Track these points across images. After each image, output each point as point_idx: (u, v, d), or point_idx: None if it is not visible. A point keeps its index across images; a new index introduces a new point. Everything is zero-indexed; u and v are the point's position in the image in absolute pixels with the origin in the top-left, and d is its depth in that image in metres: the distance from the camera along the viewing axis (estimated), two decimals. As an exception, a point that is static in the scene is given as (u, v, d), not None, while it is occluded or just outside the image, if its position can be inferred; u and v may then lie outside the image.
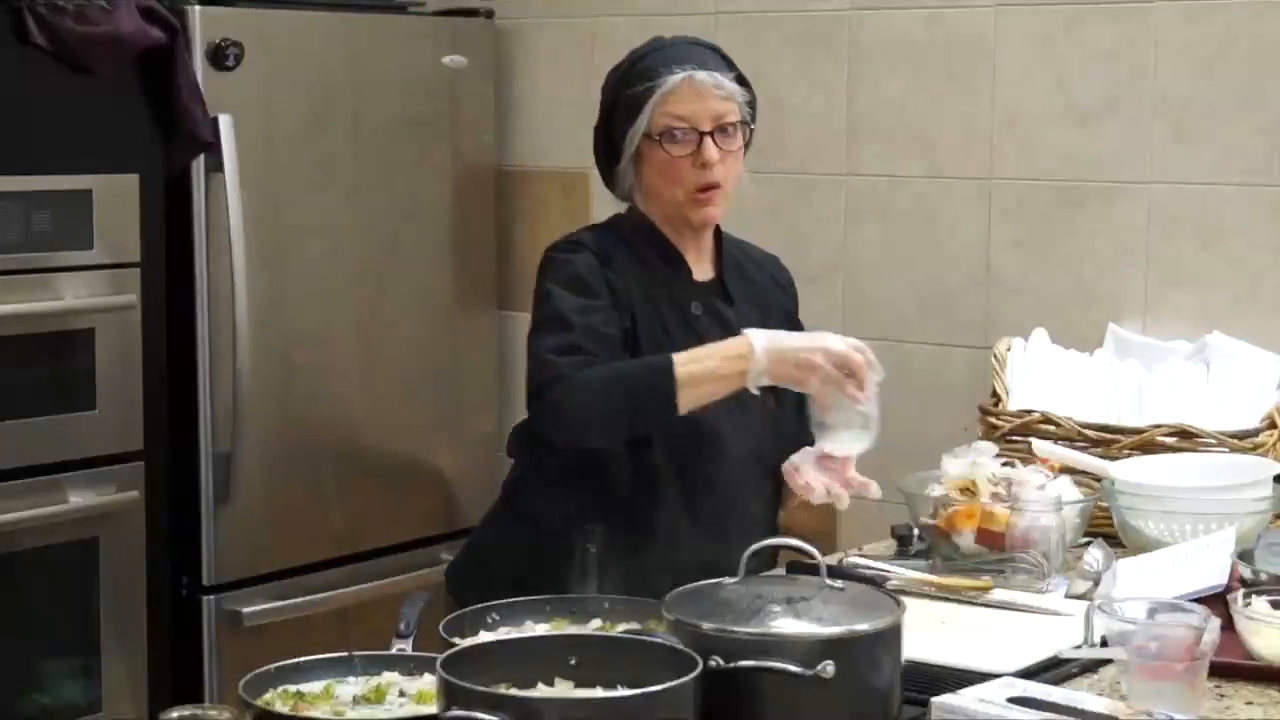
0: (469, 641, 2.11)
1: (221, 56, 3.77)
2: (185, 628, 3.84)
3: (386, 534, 4.13)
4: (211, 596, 3.84)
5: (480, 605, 2.29)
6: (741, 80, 2.81)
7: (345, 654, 2.16)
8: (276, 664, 2.11)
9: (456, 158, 4.34)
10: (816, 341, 2.65)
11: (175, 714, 1.98)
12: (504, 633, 2.24)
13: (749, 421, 2.79)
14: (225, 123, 3.75)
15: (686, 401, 2.61)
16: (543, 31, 4.46)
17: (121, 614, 3.70)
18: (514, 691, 1.89)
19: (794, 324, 2.97)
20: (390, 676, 2.13)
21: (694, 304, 2.81)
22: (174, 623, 3.82)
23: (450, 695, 1.86)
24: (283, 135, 3.92)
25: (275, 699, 2.06)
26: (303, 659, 2.14)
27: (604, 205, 4.33)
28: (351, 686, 2.11)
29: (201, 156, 3.76)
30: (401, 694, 2.09)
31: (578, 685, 1.97)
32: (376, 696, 2.08)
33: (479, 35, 4.37)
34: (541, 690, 1.95)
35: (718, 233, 2.91)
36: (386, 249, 4.14)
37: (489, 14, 4.42)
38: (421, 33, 4.25)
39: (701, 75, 2.74)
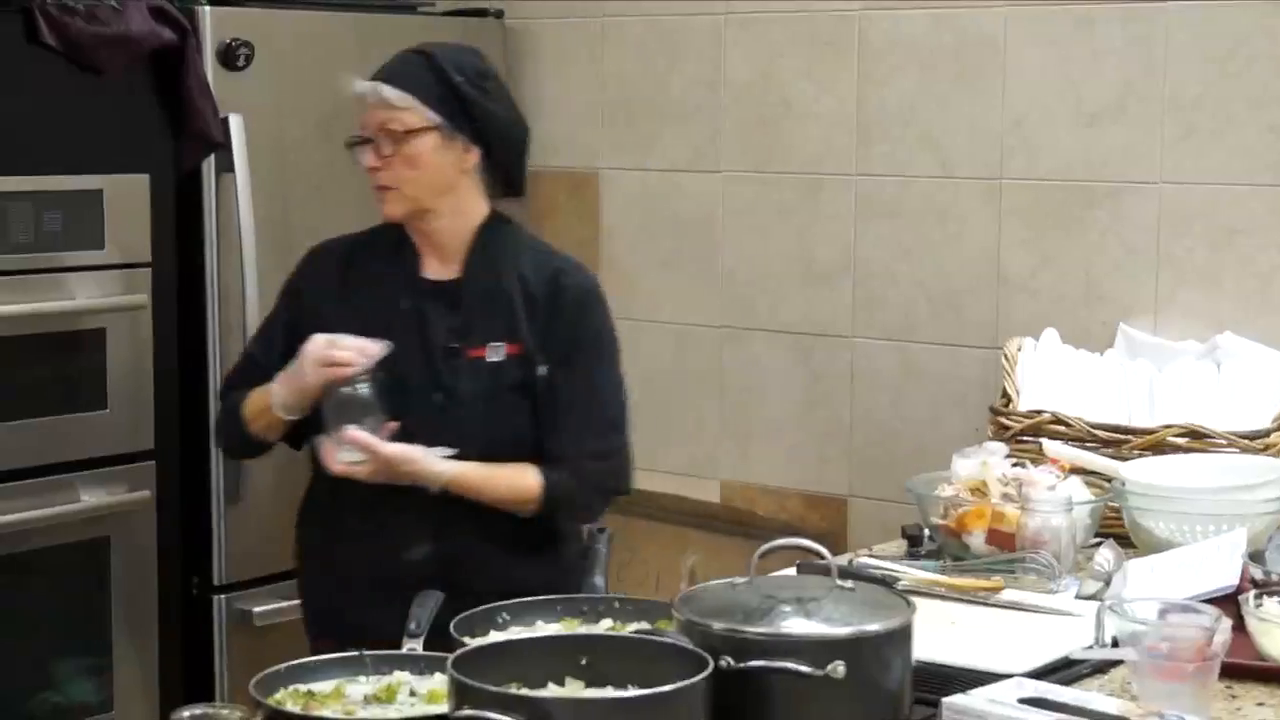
0: (480, 641, 2.12)
1: (232, 57, 3.77)
2: (196, 627, 3.84)
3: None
4: (222, 596, 3.84)
5: (491, 605, 2.29)
6: (454, 93, 2.87)
7: (356, 653, 2.17)
8: (287, 663, 2.11)
9: (466, 158, 4.33)
10: (303, 350, 2.83)
11: (187, 713, 1.98)
12: (514, 632, 2.25)
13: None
14: (235, 123, 3.76)
15: (256, 431, 2.98)
16: (551, 31, 4.46)
17: (132, 613, 3.71)
18: (525, 691, 1.89)
19: (525, 336, 2.91)
20: (401, 676, 2.14)
21: (403, 301, 2.91)
22: (184, 622, 3.82)
23: (461, 695, 1.86)
24: (293, 135, 3.92)
25: (286, 698, 2.06)
26: (313, 658, 2.14)
27: (613, 205, 4.36)
28: (362, 686, 2.12)
29: (212, 156, 3.76)
30: (412, 693, 2.10)
31: (589, 685, 1.97)
32: (387, 696, 2.08)
33: (488, 35, 4.37)
34: (552, 690, 1.95)
35: (484, 233, 2.94)
36: (396, 249, 4.13)
37: (498, 14, 4.42)
38: (431, 33, 4.23)
39: (362, 87, 2.90)
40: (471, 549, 2.89)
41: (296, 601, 3.89)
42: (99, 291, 3.61)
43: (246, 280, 3.77)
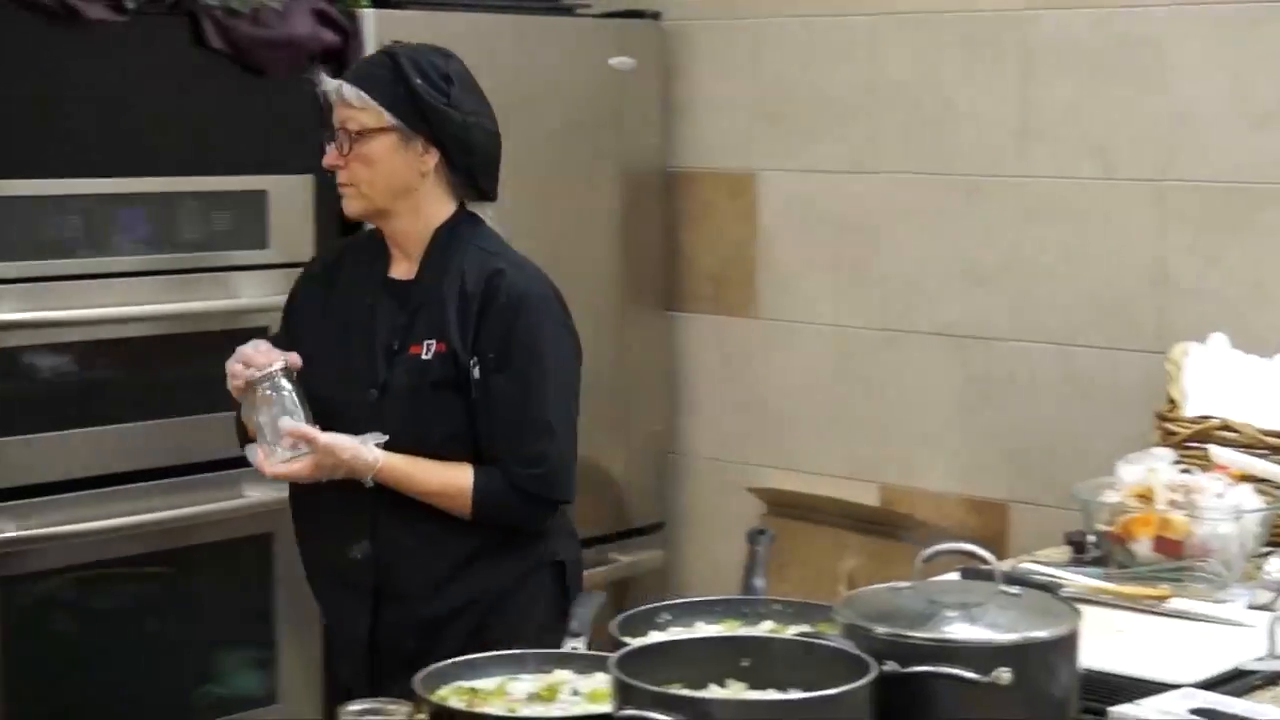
0: (641, 641, 2.12)
1: (393, 59, 3.80)
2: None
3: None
4: (383, 592, 3.88)
5: (651, 605, 2.29)
6: (411, 95, 2.84)
7: (519, 651, 2.17)
8: (451, 660, 2.12)
9: (624, 160, 4.35)
10: None
11: (355, 708, 2.00)
12: (675, 633, 2.24)
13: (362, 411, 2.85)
14: (396, 124, 3.79)
15: (247, 422, 2.90)
16: (709, 32, 4.46)
17: (296, 608, 3.75)
18: (687, 692, 1.88)
19: (451, 334, 2.85)
20: (563, 674, 2.14)
21: (366, 299, 2.91)
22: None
23: (624, 694, 1.86)
24: (453, 137, 3.95)
25: (450, 695, 2.07)
26: (477, 655, 2.15)
27: (770, 207, 4.35)
28: (525, 684, 2.12)
29: (374, 157, 3.80)
30: (574, 692, 2.10)
31: (750, 687, 1.96)
32: (549, 695, 2.09)
33: (646, 37, 4.38)
34: (714, 691, 1.95)
35: (439, 235, 2.91)
36: (555, 251, 4.13)
37: (655, 15, 4.43)
38: (589, 34, 4.27)
39: (328, 84, 2.89)
40: (407, 551, 2.87)
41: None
42: (263, 290, 3.66)
43: (407, 280, 3.80)
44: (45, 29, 3.33)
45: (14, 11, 3.29)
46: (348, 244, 3.08)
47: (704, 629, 2.26)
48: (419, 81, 2.85)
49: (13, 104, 3.31)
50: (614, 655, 1.95)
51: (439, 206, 2.91)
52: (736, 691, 1.95)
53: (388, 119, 2.84)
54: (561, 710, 2.05)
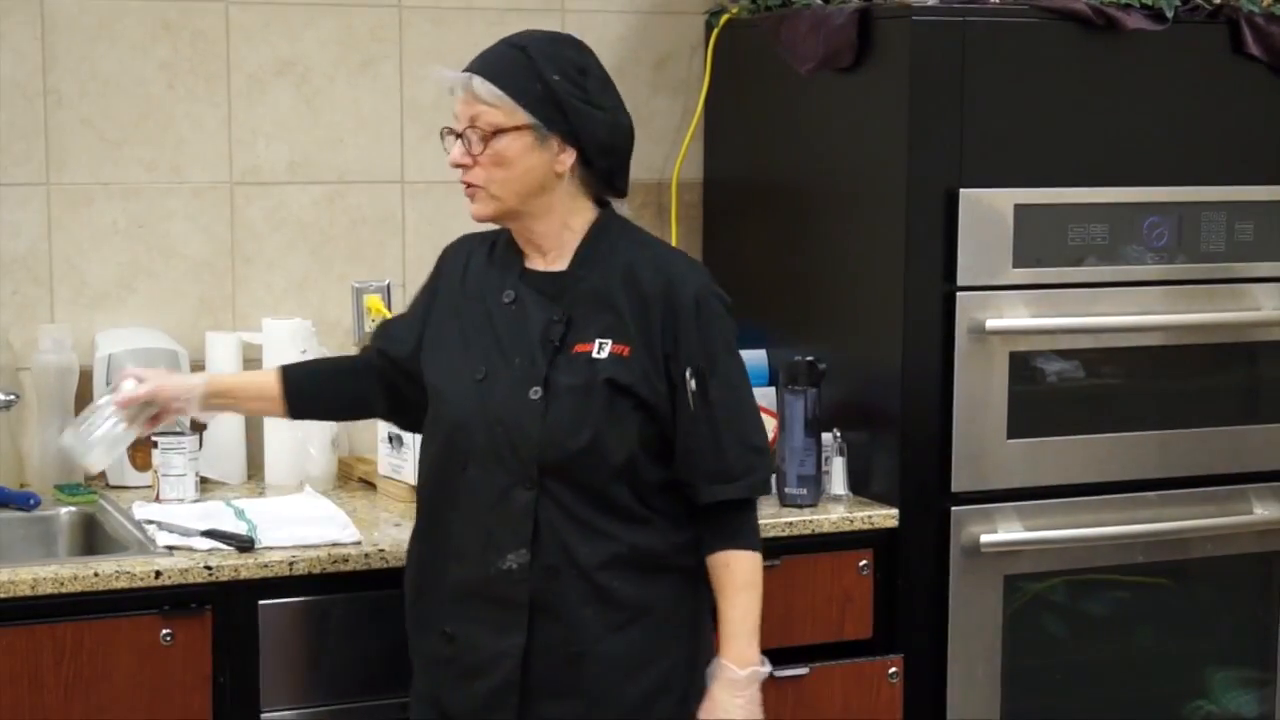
0: None
1: None
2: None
3: None
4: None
5: None
6: (549, 93, 2.65)
7: None
8: None
9: None
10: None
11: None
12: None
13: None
14: None
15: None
16: None
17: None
18: None
19: (632, 336, 2.67)
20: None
21: (506, 292, 2.76)
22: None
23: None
24: None
25: None
26: None
27: None
28: None
29: None
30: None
31: None
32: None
33: None
34: None
35: (595, 228, 2.74)
36: None
37: None
38: None
39: (452, 78, 2.71)
40: (568, 562, 2.67)
41: None
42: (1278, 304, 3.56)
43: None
44: (1085, 38, 3.37)
45: (1054, 21, 3.35)
46: (485, 235, 2.88)
47: None
48: (556, 77, 2.67)
49: (1050, 113, 3.37)
50: None
51: (573, 205, 2.75)
52: None
53: (524, 117, 2.67)
54: None
